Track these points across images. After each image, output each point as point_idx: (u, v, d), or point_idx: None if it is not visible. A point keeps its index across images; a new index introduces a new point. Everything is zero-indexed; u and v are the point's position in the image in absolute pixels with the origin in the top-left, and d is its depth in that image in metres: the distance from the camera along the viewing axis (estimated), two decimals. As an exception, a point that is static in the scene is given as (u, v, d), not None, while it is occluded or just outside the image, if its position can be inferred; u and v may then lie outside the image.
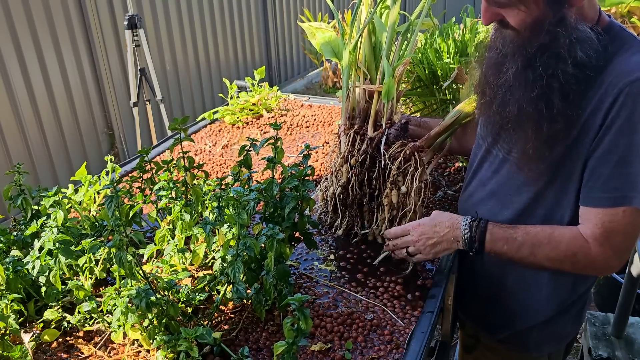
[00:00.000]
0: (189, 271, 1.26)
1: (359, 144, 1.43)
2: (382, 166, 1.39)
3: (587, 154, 1.10)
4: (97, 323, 1.16)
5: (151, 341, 1.05)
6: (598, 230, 1.11)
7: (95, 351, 1.10)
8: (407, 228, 1.30)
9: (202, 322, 1.14)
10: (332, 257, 1.42)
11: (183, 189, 1.43)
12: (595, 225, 1.11)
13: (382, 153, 1.39)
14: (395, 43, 1.53)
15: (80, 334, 1.14)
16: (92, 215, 1.44)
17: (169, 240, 1.29)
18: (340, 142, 1.48)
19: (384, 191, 1.39)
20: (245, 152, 1.42)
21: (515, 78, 1.12)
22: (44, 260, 1.16)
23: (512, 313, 1.38)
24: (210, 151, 2.09)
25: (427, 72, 1.99)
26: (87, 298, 1.13)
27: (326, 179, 1.52)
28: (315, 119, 2.31)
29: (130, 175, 1.69)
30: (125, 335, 1.10)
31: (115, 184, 1.15)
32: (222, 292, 1.16)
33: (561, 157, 1.14)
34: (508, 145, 1.24)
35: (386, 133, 1.41)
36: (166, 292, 1.09)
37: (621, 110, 1.04)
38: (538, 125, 1.12)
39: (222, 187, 1.37)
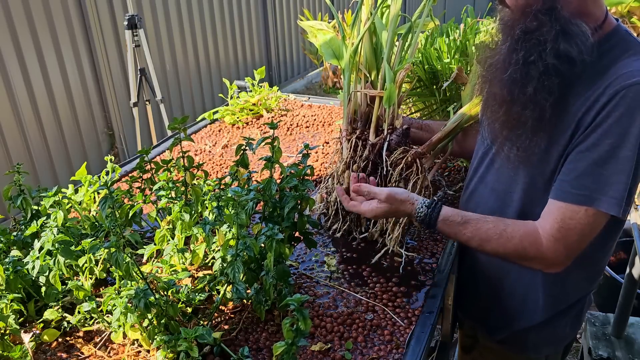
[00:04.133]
0: (189, 271, 1.26)
1: (360, 150, 1.43)
2: (385, 172, 1.39)
3: (569, 148, 1.10)
4: (97, 323, 1.16)
5: (151, 341, 1.05)
6: (556, 225, 1.10)
7: (95, 351, 1.10)
8: (366, 205, 1.29)
9: (202, 322, 1.15)
10: (331, 257, 1.42)
11: (183, 188, 1.43)
12: (555, 220, 1.10)
13: (384, 159, 1.39)
14: (397, 44, 1.53)
15: (80, 334, 1.15)
16: (92, 215, 1.44)
17: (169, 240, 1.29)
18: (342, 147, 1.48)
19: None
20: (242, 151, 1.42)
21: (502, 59, 1.13)
22: (44, 261, 1.16)
23: (510, 314, 1.37)
24: (210, 151, 2.09)
25: (427, 72, 1.99)
26: (87, 298, 1.13)
27: (327, 180, 1.52)
28: (315, 119, 2.31)
29: (130, 175, 1.69)
30: (125, 335, 1.10)
31: (109, 185, 1.15)
32: (222, 292, 1.16)
33: (557, 157, 1.14)
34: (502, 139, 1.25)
35: (388, 139, 1.41)
36: (165, 292, 1.09)
37: (613, 111, 1.03)
38: (508, 108, 1.13)
39: (222, 187, 1.37)
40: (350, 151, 1.44)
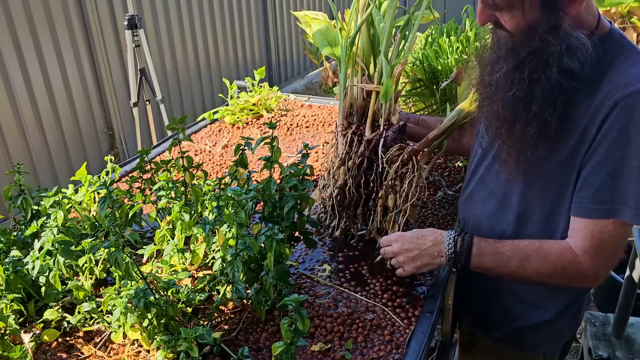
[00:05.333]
0: (189, 271, 1.26)
1: (356, 146, 1.41)
2: (380, 169, 1.38)
3: (581, 163, 1.11)
4: (97, 323, 1.16)
5: (151, 341, 1.05)
6: (588, 242, 1.10)
7: (95, 351, 1.10)
8: (390, 238, 1.28)
9: (202, 322, 1.15)
10: (331, 257, 1.41)
11: (182, 189, 1.43)
12: (585, 237, 1.11)
13: (380, 156, 1.38)
14: (394, 38, 1.51)
15: (80, 334, 1.15)
16: (92, 215, 1.44)
17: (169, 240, 1.29)
18: (337, 142, 1.47)
19: (379, 193, 1.39)
20: (241, 151, 1.42)
21: (504, 78, 1.13)
22: (44, 261, 1.16)
23: (510, 313, 1.38)
24: (210, 151, 2.09)
25: (427, 72, 1.99)
26: (87, 298, 1.13)
27: (323, 177, 1.51)
28: (315, 119, 2.31)
29: (130, 175, 1.69)
30: (125, 336, 1.10)
31: (107, 185, 1.15)
32: (222, 292, 1.16)
33: (558, 166, 1.14)
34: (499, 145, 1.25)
35: (384, 135, 1.40)
36: (165, 292, 1.09)
37: (616, 122, 1.04)
38: (511, 126, 1.13)
39: (222, 187, 1.37)
40: (345, 146, 1.42)
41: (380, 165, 1.38)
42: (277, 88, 2.58)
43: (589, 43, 1.05)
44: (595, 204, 1.09)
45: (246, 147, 1.41)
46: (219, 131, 2.28)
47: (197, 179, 1.49)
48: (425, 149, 1.46)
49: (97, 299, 1.14)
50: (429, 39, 2.11)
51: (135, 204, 1.39)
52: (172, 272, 1.23)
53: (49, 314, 1.14)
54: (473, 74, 1.32)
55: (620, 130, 1.03)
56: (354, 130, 1.44)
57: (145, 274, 1.10)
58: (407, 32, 1.50)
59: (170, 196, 1.38)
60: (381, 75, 1.41)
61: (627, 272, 1.97)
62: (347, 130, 1.45)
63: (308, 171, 1.32)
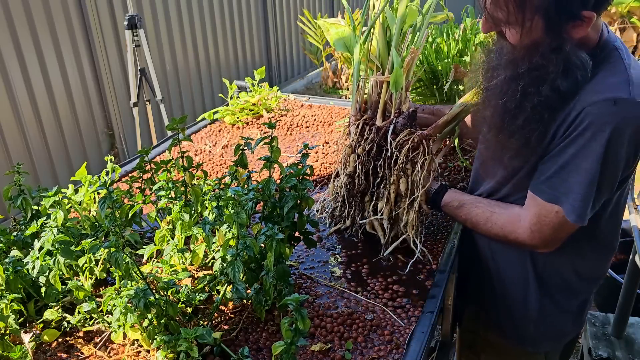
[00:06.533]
0: (189, 271, 1.26)
1: (367, 134, 1.43)
2: (389, 154, 1.39)
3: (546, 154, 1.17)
4: (97, 323, 1.16)
5: (151, 341, 1.05)
6: (534, 219, 1.20)
7: (95, 351, 1.10)
8: None
9: (202, 322, 1.15)
10: (331, 257, 1.42)
11: (182, 189, 1.43)
12: (534, 214, 1.20)
13: (389, 141, 1.39)
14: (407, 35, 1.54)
15: (80, 334, 1.15)
16: (92, 215, 1.44)
17: (169, 240, 1.29)
18: (349, 131, 1.48)
19: (390, 179, 1.39)
20: (240, 151, 1.42)
21: (499, 86, 1.17)
22: (44, 261, 1.16)
23: (512, 304, 1.40)
24: (210, 151, 2.09)
25: (427, 72, 2.00)
26: (87, 298, 1.13)
27: (337, 172, 1.52)
28: (315, 119, 2.31)
29: (130, 175, 1.69)
30: (125, 336, 1.10)
31: (107, 185, 1.15)
32: (222, 292, 1.16)
33: (535, 163, 1.20)
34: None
35: (394, 122, 1.41)
36: (165, 292, 1.09)
37: (579, 125, 1.09)
38: (496, 134, 1.20)
39: (221, 187, 1.37)
40: (356, 135, 1.45)
41: (389, 150, 1.38)
42: (277, 88, 2.58)
43: (589, 63, 1.09)
44: (546, 187, 1.16)
45: (246, 147, 1.41)
46: (219, 131, 2.28)
47: (197, 179, 1.49)
48: (437, 135, 1.47)
49: (97, 299, 1.14)
50: (429, 39, 2.11)
51: (135, 204, 1.39)
52: (172, 272, 1.23)
53: (49, 314, 1.14)
54: (475, 74, 1.35)
55: (579, 132, 1.09)
56: (365, 119, 1.46)
57: (145, 274, 1.10)
58: (417, 27, 1.52)
59: (170, 196, 1.38)
60: (392, 67, 1.43)
61: (627, 272, 1.97)
62: (359, 120, 1.46)
63: (308, 171, 1.32)
